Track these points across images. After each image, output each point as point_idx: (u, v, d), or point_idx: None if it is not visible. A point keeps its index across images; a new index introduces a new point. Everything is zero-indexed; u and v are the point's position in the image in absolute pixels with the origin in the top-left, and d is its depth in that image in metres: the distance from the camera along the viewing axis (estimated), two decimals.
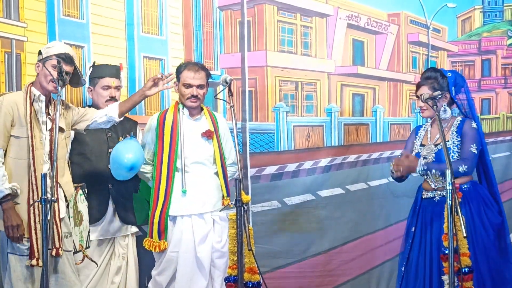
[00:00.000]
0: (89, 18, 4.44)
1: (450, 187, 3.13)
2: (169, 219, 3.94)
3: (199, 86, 3.98)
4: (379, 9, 5.62)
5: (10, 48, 4.11)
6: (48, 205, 3.06)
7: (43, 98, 3.58)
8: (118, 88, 4.16)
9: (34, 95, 3.55)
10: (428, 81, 3.85)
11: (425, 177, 3.87)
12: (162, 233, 3.92)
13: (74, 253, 3.72)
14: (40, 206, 3.15)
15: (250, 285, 3.25)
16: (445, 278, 3.44)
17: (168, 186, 3.95)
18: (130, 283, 4.19)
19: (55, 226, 3.47)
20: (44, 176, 3.08)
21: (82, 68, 4.25)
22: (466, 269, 3.33)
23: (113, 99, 4.10)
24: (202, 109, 4.12)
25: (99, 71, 4.12)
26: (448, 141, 3.77)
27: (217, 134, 4.06)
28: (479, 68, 5.93)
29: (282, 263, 5.01)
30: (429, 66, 5.61)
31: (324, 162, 5.19)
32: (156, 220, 3.93)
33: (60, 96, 3.37)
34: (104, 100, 4.10)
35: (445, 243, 3.28)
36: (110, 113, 3.80)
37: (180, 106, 4.05)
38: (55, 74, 3.42)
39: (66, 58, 3.55)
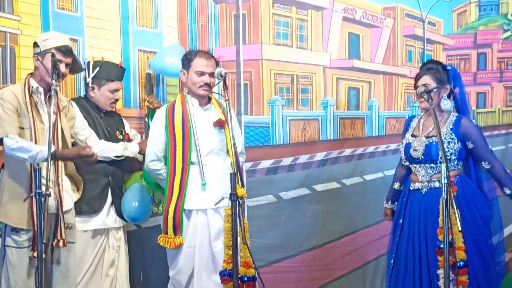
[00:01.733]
0: (83, 11, 4.42)
1: (445, 181, 3.13)
2: (184, 214, 3.83)
3: (211, 74, 3.87)
4: (375, 2, 5.61)
5: (4, 41, 4.08)
6: (42, 199, 3.05)
7: (41, 90, 3.58)
8: (119, 89, 4.21)
9: (32, 87, 3.55)
10: (431, 71, 3.84)
11: (413, 168, 3.88)
12: (178, 228, 3.81)
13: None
14: (42, 198, 3.16)
15: (245, 279, 3.24)
16: (440, 272, 3.44)
17: (183, 180, 3.83)
18: (120, 277, 4.18)
19: (60, 218, 3.50)
20: (38, 170, 3.07)
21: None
22: (461, 263, 3.34)
23: (116, 101, 4.17)
24: (210, 98, 4.02)
25: (110, 74, 4.09)
26: (441, 134, 3.74)
27: (228, 123, 3.91)
28: (475, 61, 5.93)
29: (277, 257, 5.01)
30: (425, 60, 5.62)
31: (319, 156, 5.19)
32: (171, 215, 3.82)
33: (55, 89, 3.37)
34: (109, 102, 4.12)
35: (440, 237, 3.28)
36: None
37: (188, 96, 3.94)
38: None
39: (66, 51, 3.56)
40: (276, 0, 5.12)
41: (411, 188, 3.91)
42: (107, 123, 4.15)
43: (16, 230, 3.49)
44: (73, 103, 3.94)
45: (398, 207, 4.03)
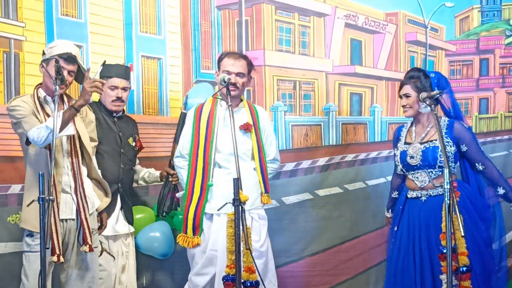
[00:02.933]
0: (87, 17, 4.44)
1: (448, 186, 3.13)
2: (206, 217, 3.81)
3: (238, 74, 3.83)
4: (377, 8, 5.62)
5: (8, 47, 4.11)
6: (46, 205, 3.06)
7: (48, 98, 3.60)
8: (125, 89, 4.11)
9: (40, 97, 3.57)
10: (411, 80, 3.85)
11: (410, 176, 3.88)
12: (197, 229, 3.79)
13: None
14: (55, 203, 3.19)
15: (248, 284, 3.24)
16: (443, 277, 3.44)
17: (204, 181, 3.80)
18: (129, 282, 4.18)
19: (84, 222, 3.52)
20: (42, 176, 3.08)
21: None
22: (464, 268, 3.34)
23: (119, 99, 4.07)
24: (241, 100, 3.98)
25: (107, 71, 4.05)
26: (436, 140, 3.78)
27: (256, 128, 3.90)
28: (477, 67, 5.93)
29: (280, 262, 5.00)
30: (427, 66, 5.64)
31: (322, 161, 5.20)
32: (191, 215, 3.80)
33: (58, 95, 3.38)
34: (110, 100, 4.07)
35: (443, 242, 3.28)
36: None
37: (219, 98, 3.89)
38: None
39: (68, 58, 3.55)
40: (278, 6, 5.14)
41: (409, 196, 3.90)
42: (120, 128, 4.13)
43: (31, 234, 3.52)
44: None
45: (394, 215, 4.02)
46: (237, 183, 3.12)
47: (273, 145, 4.08)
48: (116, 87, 4.06)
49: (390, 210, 4.20)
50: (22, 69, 4.15)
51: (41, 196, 3.07)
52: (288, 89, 5.18)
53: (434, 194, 3.78)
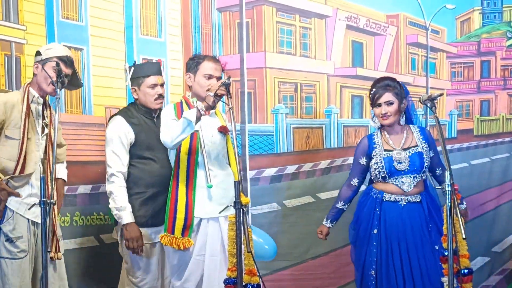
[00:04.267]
0: (88, 20, 4.44)
1: (449, 189, 3.13)
2: (194, 223, 3.74)
3: (218, 78, 3.77)
4: (378, 10, 5.63)
5: (9, 50, 4.11)
6: (47, 208, 3.06)
7: (41, 100, 3.57)
8: (162, 85, 4.03)
9: (33, 96, 3.54)
10: (390, 88, 3.86)
11: (392, 181, 3.89)
12: (187, 230, 3.72)
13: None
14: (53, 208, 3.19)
15: (250, 287, 3.24)
16: (444, 279, 3.44)
17: (190, 182, 3.75)
18: None
19: (56, 229, 3.54)
20: (43, 179, 3.08)
21: (81, 71, 4.26)
22: (466, 271, 3.34)
23: (160, 97, 3.98)
24: None
25: (143, 70, 3.98)
26: (417, 145, 3.87)
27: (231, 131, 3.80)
28: (479, 69, 5.94)
29: (281, 266, 5.01)
30: (429, 68, 5.64)
31: (323, 164, 5.19)
32: (181, 216, 3.70)
33: (59, 98, 3.37)
34: (153, 99, 3.96)
35: (445, 245, 3.28)
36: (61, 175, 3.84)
37: (194, 100, 3.81)
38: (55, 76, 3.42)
39: (68, 61, 3.55)
40: (279, 8, 5.14)
41: (386, 199, 3.90)
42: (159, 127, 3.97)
43: (10, 240, 3.45)
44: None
45: (368, 217, 3.96)
46: (238, 186, 3.11)
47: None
48: (155, 85, 3.96)
49: (329, 220, 4.14)
50: (23, 72, 4.15)
51: (43, 199, 3.08)
52: (289, 92, 5.18)
53: (413, 200, 3.84)
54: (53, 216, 3.49)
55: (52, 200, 3.10)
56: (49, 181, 3.36)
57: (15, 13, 4.12)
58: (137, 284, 3.89)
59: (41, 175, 3.16)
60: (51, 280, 3.49)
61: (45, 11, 4.24)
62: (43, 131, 3.59)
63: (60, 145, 3.82)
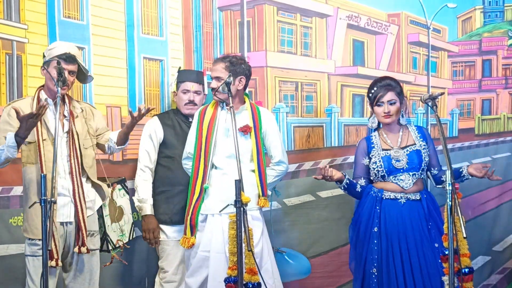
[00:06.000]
0: (89, 19, 4.45)
1: (450, 188, 3.13)
2: (201, 219, 3.86)
3: (216, 78, 3.88)
4: (379, 9, 5.62)
5: (11, 49, 4.12)
6: (47, 206, 3.07)
7: (50, 101, 3.62)
8: (197, 92, 4.28)
9: (41, 99, 3.60)
10: (391, 87, 3.93)
11: (391, 179, 3.91)
12: (193, 229, 3.86)
13: (105, 251, 3.87)
14: (54, 206, 3.20)
15: (250, 286, 3.25)
16: (445, 278, 3.44)
17: (204, 183, 3.87)
18: None
19: (82, 225, 3.59)
20: (44, 177, 3.09)
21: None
22: (466, 270, 3.34)
23: (191, 103, 4.24)
24: (244, 102, 4.02)
25: (181, 76, 4.32)
26: (414, 144, 3.95)
27: (257, 130, 3.92)
28: (480, 68, 5.93)
29: None
30: (430, 67, 5.63)
31: (324, 162, 5.19)
32: (188, 216, 3.87)
33: (60, 97, 3.39)
34: (183, 103, 4.27)
35: (445, 244, 3.29)
36: (112, 138, 3.88)
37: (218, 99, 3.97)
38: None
39: (67, 58, 3.59)
40: (280, 7, 5.14)
41: (385, 197, 3.93)
42: None
43: (32, 239, 3.59)
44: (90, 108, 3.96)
45: (368, 215, 3.99)
46: (238, 185, 3.12)
47: (278, 148, 4.07)
48: (188, 91, 4.25)
49: (347, 178, 4.06)
50: (24, 71, 4.16)
51: (43, 198, 3.08)
52: (290, 90, 5.18)
53: (413, 198, 3.89)
54: (81, 212, 3.60)
55: (52, 199, 3.10)
56: (56, 177, 3.43)
57: (17, 12, 4.14)
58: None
59: (42, 174, 3.17)
60: (77, 274, 3.70)
61: (47, 10, 4.25)
62: (65, 130, 3.65)
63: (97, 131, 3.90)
